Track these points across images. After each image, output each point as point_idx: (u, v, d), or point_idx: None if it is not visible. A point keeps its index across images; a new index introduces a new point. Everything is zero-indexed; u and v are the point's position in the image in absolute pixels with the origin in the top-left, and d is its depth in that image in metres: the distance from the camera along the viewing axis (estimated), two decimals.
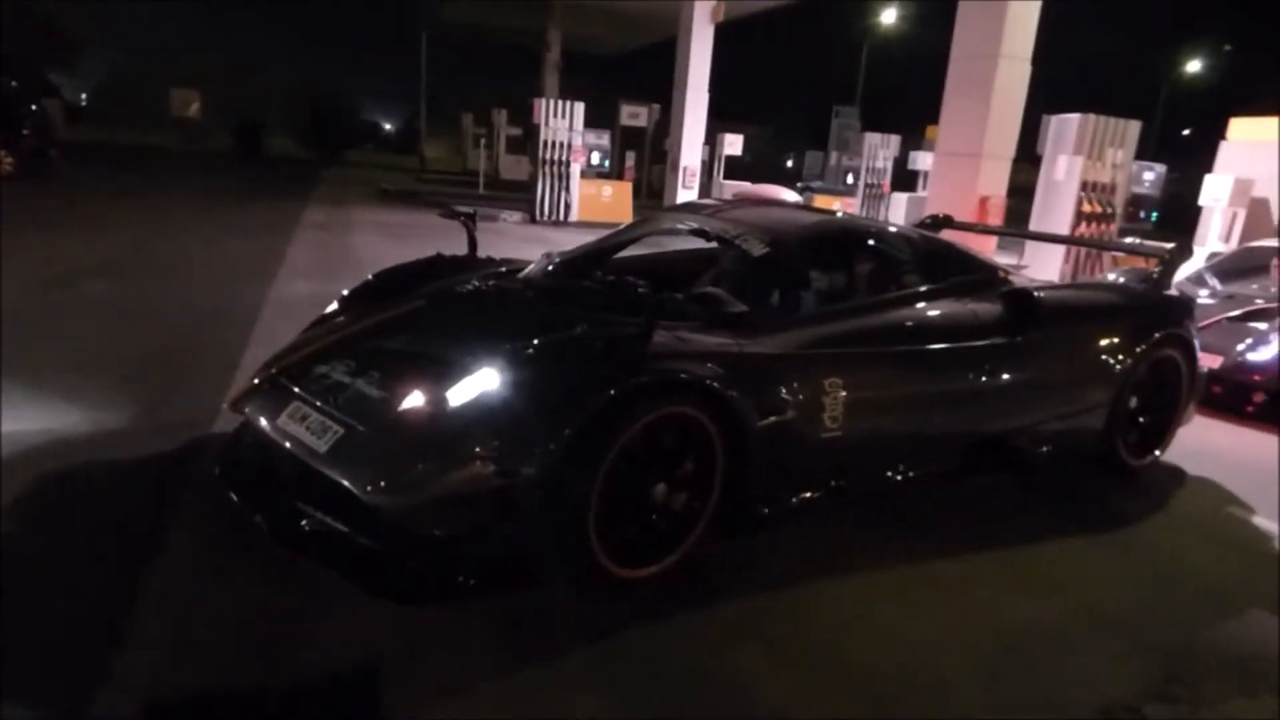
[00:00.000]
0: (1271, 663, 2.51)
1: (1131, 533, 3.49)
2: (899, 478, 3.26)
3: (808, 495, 2.98)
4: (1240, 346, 5.39)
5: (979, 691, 2.28)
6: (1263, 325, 5.46)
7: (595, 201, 15.31)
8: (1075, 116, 8.98)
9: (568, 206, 14.83)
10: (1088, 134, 8.88)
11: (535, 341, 2.57)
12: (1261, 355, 5.32)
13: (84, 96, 48.55)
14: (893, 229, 4.03)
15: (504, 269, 3.74)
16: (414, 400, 2.47)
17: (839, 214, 5.08)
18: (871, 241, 3.75)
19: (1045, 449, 3.67)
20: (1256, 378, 5.31)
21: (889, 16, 38.08)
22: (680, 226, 3.72)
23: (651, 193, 19.97)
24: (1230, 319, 5.67)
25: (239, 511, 2.82)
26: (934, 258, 3.83)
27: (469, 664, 2.21)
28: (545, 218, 14.65)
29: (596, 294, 3.14)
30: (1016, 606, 2.76)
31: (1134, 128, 9.20)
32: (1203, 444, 4.56)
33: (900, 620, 2.61)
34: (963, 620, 2.65)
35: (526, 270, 3.64)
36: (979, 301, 3.62)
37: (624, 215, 15.48)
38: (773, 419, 2.74)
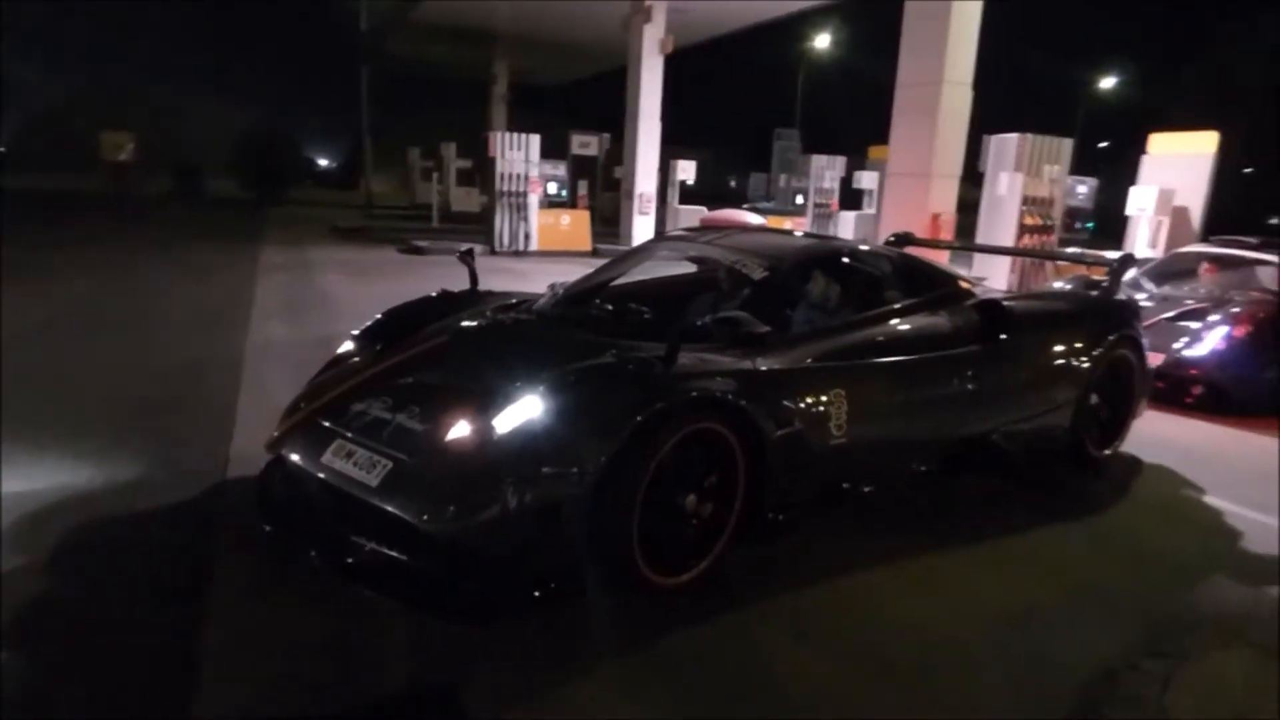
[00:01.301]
0: (1237, 620, 2.83)
1: (1104, 517, 3.82)
2: (895, 479, 3.52)
3: (818, 499, 3.21)
4: (1177, 345, 5.84)
5: (994, 665, 2.53)
6: (1196, 324, 5.92)
7: (554, 230, 15.52)
8: (1014, 136, 9.55)
9: (527, 237, 15.00)
10: (1026, 152, 9.46)
11: (571, 368, 2.76)
12: (1197, 351, 5.77)
13: None
14: (870, 249, 4.33)
15: (514, 301, 3.92)
16: (460, 430, 2.63)
17: (794, 234, 5.36)
18: (855, 261, 4.04)
19: (1021, 446, 3.97)
20: (1194, 372, 5.76)
21: (822, 41, 39.39)
22: (676, 254, 3.96)
23: (604, 220, 20.27)
24: (1167, 319, 6.12)
25: (280, 549, 2.95)
26: (909, 274, 4.14)
27: (528, 676, 2.37)
28: (505, 248, 14.79)
29: (615, 321, 3.34)
30: (1015, 589, 3.03)
31: (1067, 145, 9.81)
32: (1152, 434, 4.95)
33: (915, 609, 2.86)
34: (971, 605, 2.91)
35: (539, 303, 3.83)
36: (954, 312, 3.93)
37: (583, 243, 15.73)
38: (787, 430, 2.97)
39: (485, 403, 2.67)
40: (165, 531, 3.19)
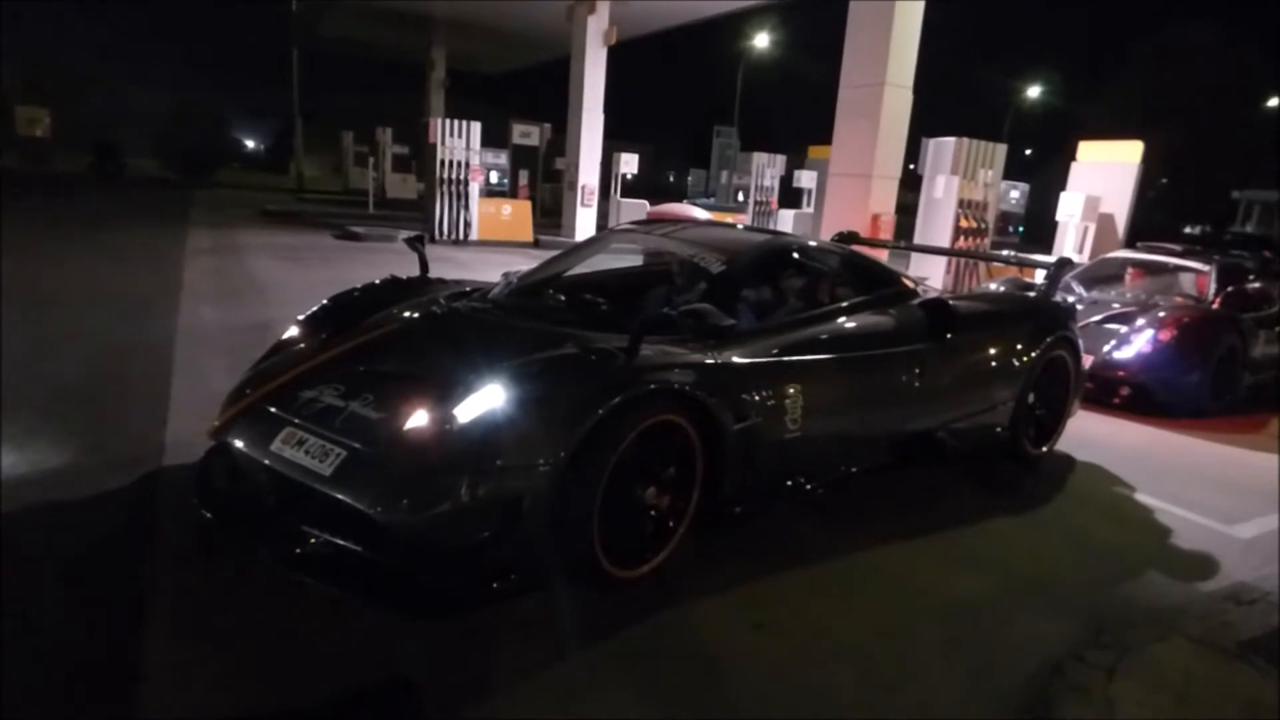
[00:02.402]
0: (1173, 614, 2.95)
1: (1042, 512, 3.94)
2: (846, 472, 3.57)
3: (772, 492, 3.23)
4: (1106, 347, 6.08)
5: (946, 654, 2.58)
6: (1123, 327, 6.18)
7: (495, 220, 15.31)
8: (951, 140, 9.82)
9: (468, 225, 14.76)
10: (962, 156, 9.73)
11: (533, 359, 2.70)
12: (1124, 354, 6.03)
13: None
14: (821, 246, 4.37)
15: (468, 289, 3.83)
16: (419, 419, 2.55)
17: (739, 227, 5.37)
18: (809, 258, 4.07)
19: (963, 442, 4.07)
20: (1121, 374, 6.01)
21: (762, 40, 39.85)
22: (631, 246, 3.93)
23: (545, 210, 20.10)
24: (1095, 322, 6.37)
25: (222, 539, 2.83)
26: (859, 271, 4.20)
27: (488, 669, 2.32)
28: (445, 237, 14.52)
29: (572, 312, 3.29)
30: (959, 582, 3.10)
31: (1001, 150, 10.14)
32: (1083, 433, 5.14)
33: (867, 599, 2.91)
34: (918, 597, 2.96)
35: (493, 291, 3.75)
36: (902, 310, 4.00)
37: (524, 234, 15.56)
38: (744, 423, 2.97)
39: (444, 392, 2.60)
40: (101, 520, 3.01)
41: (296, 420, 2.70)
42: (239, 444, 2.78)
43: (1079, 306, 6.70)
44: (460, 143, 14.52)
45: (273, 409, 2.80)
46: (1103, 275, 7.57)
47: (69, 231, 12.17)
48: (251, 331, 6.00)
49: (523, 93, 35.04)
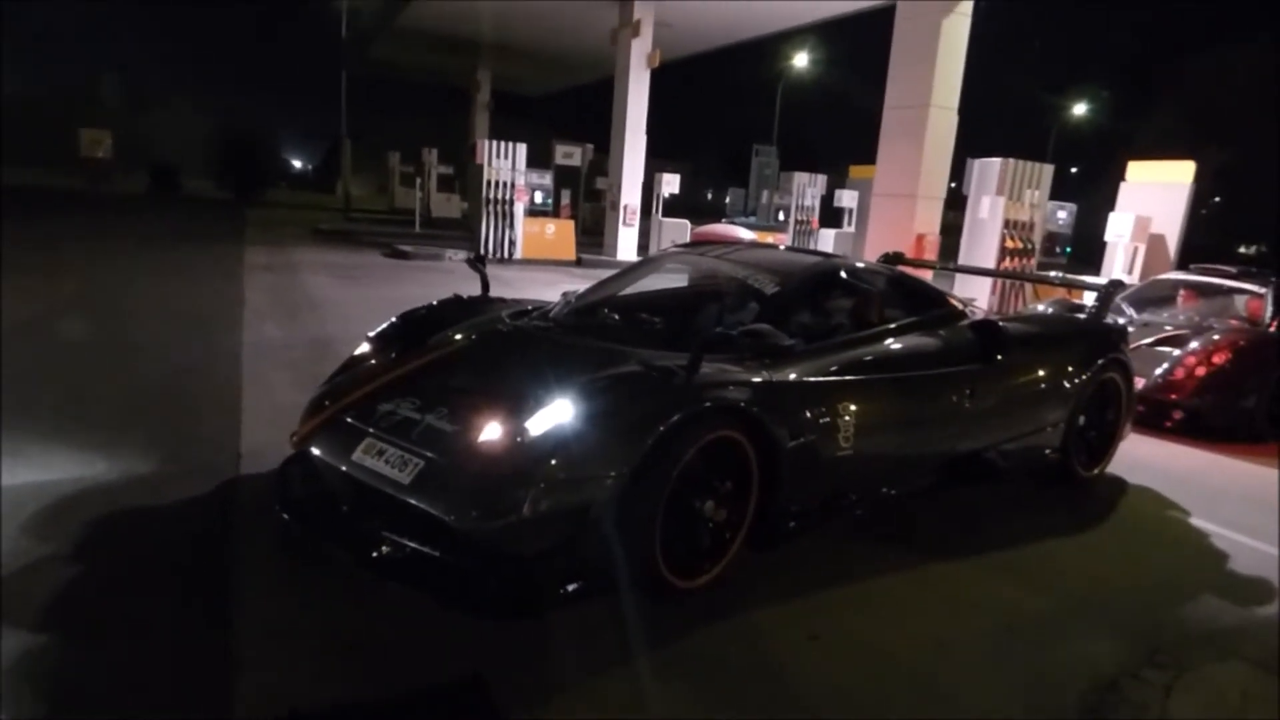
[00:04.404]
0: (1231, 636, 2.95)
1: (1094, 534, 3.95)
2: (896, 491, 3.63)
3: (825, 508, 3.31)
4: (1158, 370, 6.03)
5: (1001, 671, 2.62)
6: (1175, 350, 6.12)
7: (539, 239, 15.58)
8: (996, 160, 9.80)
9: (512, 244, 15.05)
10: (1008, 176, 9.71)
11: (599, 375, 2.83)
12: (1177, 377, 5.96)
13: None
14: (870, 267, 4.45)
15: (529, 308, 3.99)
16: (492, 432, 2.69)
17: (780, 248, 5.46)
18: (859, 279, 4.15)
19: (1013, 464, 4.09)
20: (1174, 397, 5.95)
21: (801, 61, 39.95)
22: (684, 267, 4.04)
23: (586, 230, 20.38)
24: (1147, 345, 6.32)
25: (300, 543, 2.99)
26: (908, 292, 4.26)
27: (557, 671, 2.43)
28: (490, 256, 14.81)
29: (630, 330, 3.42)
30: (1011, 600, 3.14)
31: (1048, 170, 10.10)
32: (1135, 457, 5.11)
33: (923, 614, 2.96)
34: (973, 613, 3.01)
35: (553, 310, 3.90)
36: (951, 331, 4.05)
37: (567, 253, 15.80)
38: (799, 440, 3.06)
39: (516, 406, 2.73)
40: (188, 524, 3.21)
41: (375, 431, 2.85)
42: (319, 452, 2.94)
43: (1130, 329, 6.67)
44: (506, 163, 14.84)
45: (352, 420, 2.96)
46: (1154, 297, 7.49)
47: (134, 249, 12.67)
48: (312, 347, 6.25)
49: (564, 114, 35.60)
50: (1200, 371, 5.87)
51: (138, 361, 5.77)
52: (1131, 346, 6.21)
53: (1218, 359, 5.87)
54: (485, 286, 4.25)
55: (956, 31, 9.62)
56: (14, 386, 4.81)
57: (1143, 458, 5.21)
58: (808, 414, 3.12)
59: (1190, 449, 5.66)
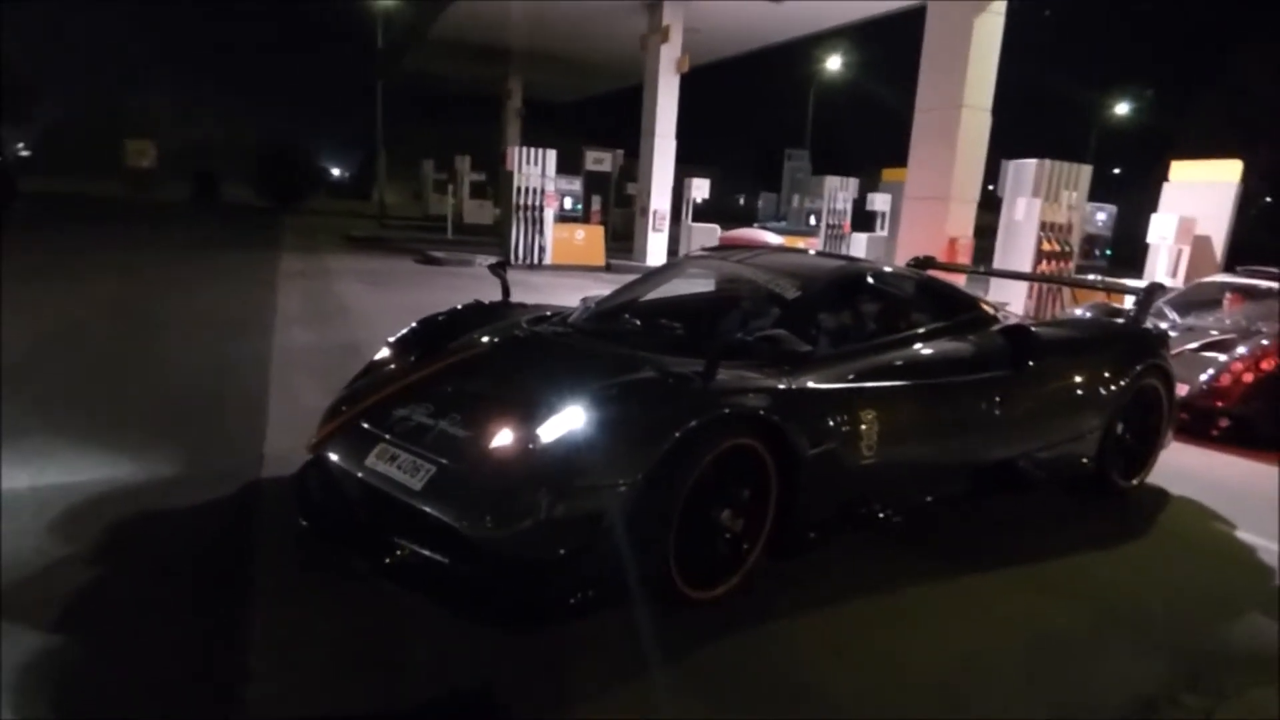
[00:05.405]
0: (1273, 657, 2.80)
1: (1132, 547, 3.79)
2: (922, 500, 3.53)
3: (848, 518, 3.22)
4: (1203, 376, 5.82)
5: (1030, 691, 2.52)
6: (1222, 356, 5.91)
7: (569, 245, 15.61)
8: (1032, 161, 9.59)
9: (542, 250, 15.09)
10: (1044, 177, 9.48)
11: (613, 382, 2.78)
12: (1223, 383, 5.75)
13: (20, 147, 47.23)
14: (897, 271, 4.35)
15: (548, 314, 3.95)
16: (504, 438, 2.65)
17: (809, 252, 5.37)
18: (884, 283, 4.06)
19: (1046, 473, 3.96)
20: (1220, 404, 5.74)
21: (834, 64, 39.63)
22: (707, 272, 3.98)
23: (616, 235, 20.38)
24: (1191, 350, 6.10)
25: (317, 548, 2.98)
26: (936, 297, 4.16)
27: (569, 682, 2.38)
28: (521, 262, 14.87)
29: (649, 336, 3.37)
30: (1047, 615, 3.02)
31: (1086, 171, 9.85)
32: (1179, 466, 4.92)
33: (950, 629, 2.85)
34: (1003, 628, 2.90)
35: (572, 315, 3.86)
36: (981, 337, 3.94)
37: (597, 258, 15.81)
38: (820, 448, 2.98)
39: (528, 412, 2.69)
40: (207, 528, 3.22)
41: (389, 437, 2.83)
42: (335, 458, 2.93)
43: (1173, 333, 6.46)
44: (536, 170, 14.90)
45: (367, 426, 2.94)
46: (1199, 300, 7.24)
47: (174, 257, 12.94)
48: (340, 352, 6.28)
49: (595, 120, 35.72)
50: (1247, 378, 5.65)
51: (169, 366, 5.85)
52: (1175, 351, 6.01)
53: (1266, 365, 5.65)
54: (506, 292, 4.23)
55: (989, 30, 9.42)
56: (50, 390, 4.92)
57: (1186, 467, 5.02)
58: (829, 421, 3.04)
59: (1236, 458, 5.44)
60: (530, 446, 2.59)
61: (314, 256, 14.26)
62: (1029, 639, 2.83)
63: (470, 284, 11.26)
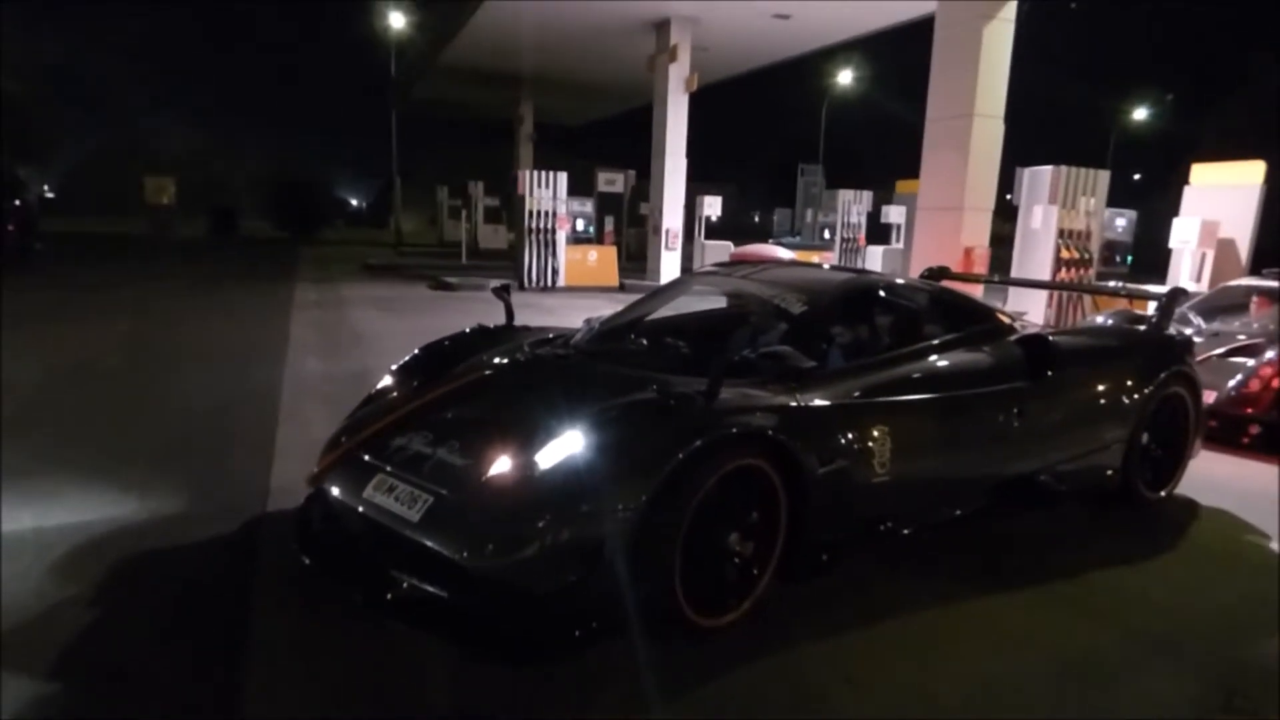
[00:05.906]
0: None
1: (1161, 561, 3.65)
2: (940, 518, 3.41)
3: (862, 537, 3.12)
4: (1232, 382, 5.65)
5: (1053, 716, 2.39)
6: (1250, 361, 5.74)
7: (582, 266, 15.61)
8: (1048, 168, 9.46)
9: (555, 272, 15.10)
10: (1060, 184, 9.35)
11: (612, 404, 2.71)
12: (1252, 389, 5.58)
13: (45, 188, 48.26)
14: (908, 283, 4.26)
15: (550, 335, 3.90)
16: (501, 466, 2.59)
17: (823, 266, 5.30)
18: (894, 295, 3.97)
19: (1069, 486, 3.83)
20: (1249, 411, 5.56)
21: (845, 78, 39.64)
22: (712, 289, 3.92)
23: (630, 255, 20.40)
24: (1218, 356, 5.94)
25: (319, 584, 2.92)
26: (948, 308, 4.06)
27: (580, 712, 2.30)
28: (534, 284, 14.89)
29: (653, 355, 3.30)
30: (1069, 635, 2.89)
31: (1104, 177, 9.69)
32: (1208, 476, 4.76)
33: (969, 653, 2.73)
34: (1028, 649, 2.77)
35: (576, 337, 3.80)
36: (997, 347, 3.83)
37: (610, 279, 15.79)
38: (830, 467, 2.88)
39: (526, 438, 2.63)
40: (207, 567, 3.17)
41: (388, 467, 2.78)
42: (334, 491, 2.88)
43: (1198, 339, 6.30)
44: (547, 193, 14.95)
45: (366, 456, 2.89)
46: (1224, 305, 7.06)
47: (191, 292, 13.07)
48: (351, 381, 6.26)
49: (607, 141, 35.89)
50: (1277, 383, 5.47)
51: (179, 400, 5.85)
52: (1201, 358, 5.85)
53: None
54: (510, 315, 4.17)
55: (999, 37, 9.33)
56: (59, 427, 4.93)
57: (1217, 477, 4.85)
58: (839, 438, 2.95)
59: (1269, 466, 5.26)
60: (528, 474, 2.52)
61: (329, 286, 14.36)
62: (1054, 662, 2.70)
63: (482, 308, 11.22)
